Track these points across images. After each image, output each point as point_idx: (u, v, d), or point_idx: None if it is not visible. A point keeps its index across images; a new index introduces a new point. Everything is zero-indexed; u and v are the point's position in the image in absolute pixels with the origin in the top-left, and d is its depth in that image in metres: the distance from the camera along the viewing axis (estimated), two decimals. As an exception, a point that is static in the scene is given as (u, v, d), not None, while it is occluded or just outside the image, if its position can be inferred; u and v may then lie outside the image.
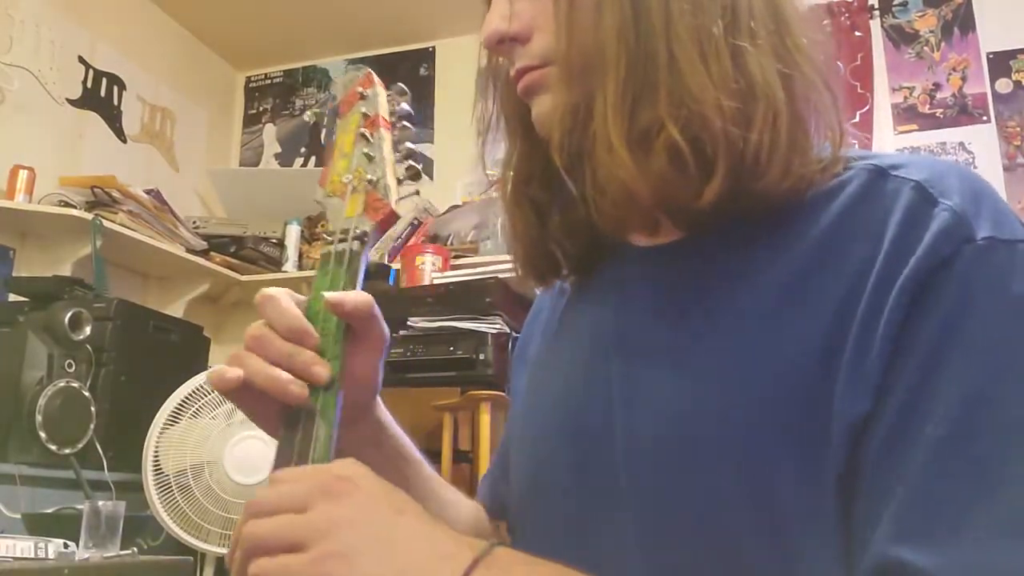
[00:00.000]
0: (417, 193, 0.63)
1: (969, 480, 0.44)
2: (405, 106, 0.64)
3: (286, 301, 0.55)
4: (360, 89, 0.63)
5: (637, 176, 0.53)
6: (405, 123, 0.64)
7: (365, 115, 0.62)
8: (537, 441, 0.65)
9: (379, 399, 0.65)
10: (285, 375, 0.53)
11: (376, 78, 0.64)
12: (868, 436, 0.47)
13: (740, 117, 0.51)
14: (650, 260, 0.61)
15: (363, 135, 0.61)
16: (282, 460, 0.52)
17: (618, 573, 0.54)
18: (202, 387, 2.06)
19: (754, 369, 0.52)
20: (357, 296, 0.56)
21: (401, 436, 0.69)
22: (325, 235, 0.59)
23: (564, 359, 0.66)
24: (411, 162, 0.62)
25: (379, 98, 0.63)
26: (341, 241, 0.57)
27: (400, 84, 0.66)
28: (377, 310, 0.57)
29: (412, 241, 2.99)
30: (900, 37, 2.83)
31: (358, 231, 0.57)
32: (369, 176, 0.59)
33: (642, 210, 0.56)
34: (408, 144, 0.63)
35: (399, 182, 0.60)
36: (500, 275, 2.44)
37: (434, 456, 2.17)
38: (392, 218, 0.58)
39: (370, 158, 0.60)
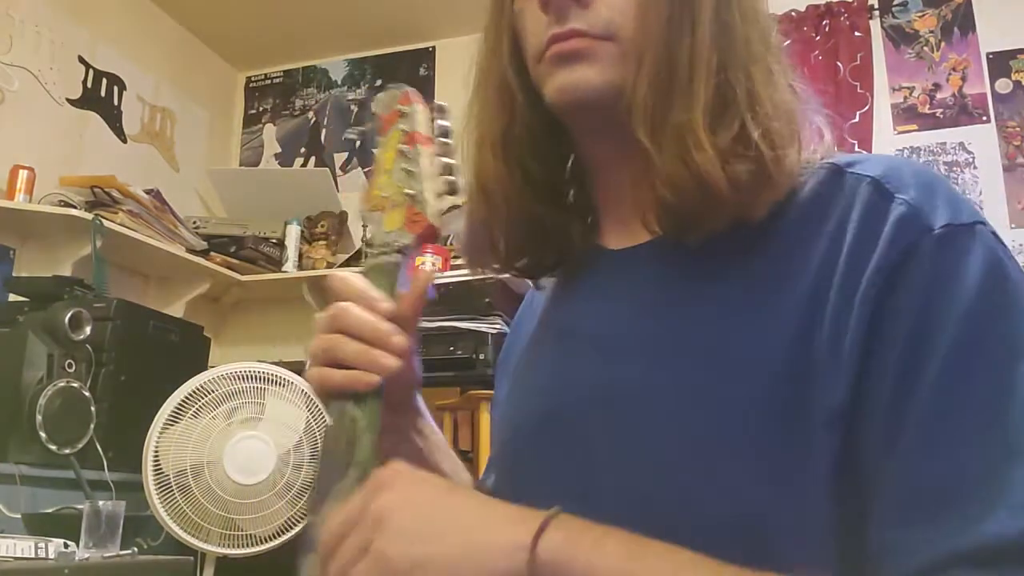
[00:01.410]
0: (457, 207, 0.63)
1: (974, 455, 0.45)
2: (444, 122, 0.65)
3: (359, 310, 0.58)
4: (400, 107, 0.64)
5: (722, 180, 0.53)
6: (444, 139, 0.64)
7: (404, 132, 0.63)
8: (518, 443, 0.66)
9: (418, 394, 0.68)
10: (373, 351, 0.56)
11: (416, 95, 0.65)
12: (861, 428, 0.48)
13: (788, 136, 0.55)
14: (626, 262, 0.62)
15: (402, 151, 0.62)
16: (325, 481, 0.55)
17: None
18: (202, 387, 2.06)
19: (727, 365, 0.53)
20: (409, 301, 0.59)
21: (439, 431, 0.72)
22: (367, 248, 0.61)
23: (543, 362, 0.67)
24: (450, 177, 0.63)
25: (418, 115, 0.64)
26: (382, 254, 0.59)
27: (440, 102, 0.66)
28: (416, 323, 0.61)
29: (412, 241, 3.00)
30: (900, 37, 2.83)
31: (398, 244, 0.59)
32: (408, 191, 0.61)
33: (691, 210, 0.56)
34: (448, 159, 0.63)
35: (438, 196, 0.61)
36: (500, 275, 2.44)
37: (434, 456, 2.17)
38: (431, 231, 0.60)
39: (409, 173, 0.61)
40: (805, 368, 0.50)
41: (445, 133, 0.65)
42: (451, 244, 2.86)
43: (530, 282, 0.73)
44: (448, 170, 0.63)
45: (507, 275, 0.70)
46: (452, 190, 0.63)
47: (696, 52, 0.55)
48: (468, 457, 2.23)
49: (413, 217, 0.60)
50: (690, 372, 0.54)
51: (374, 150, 0.64)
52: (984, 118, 2.68)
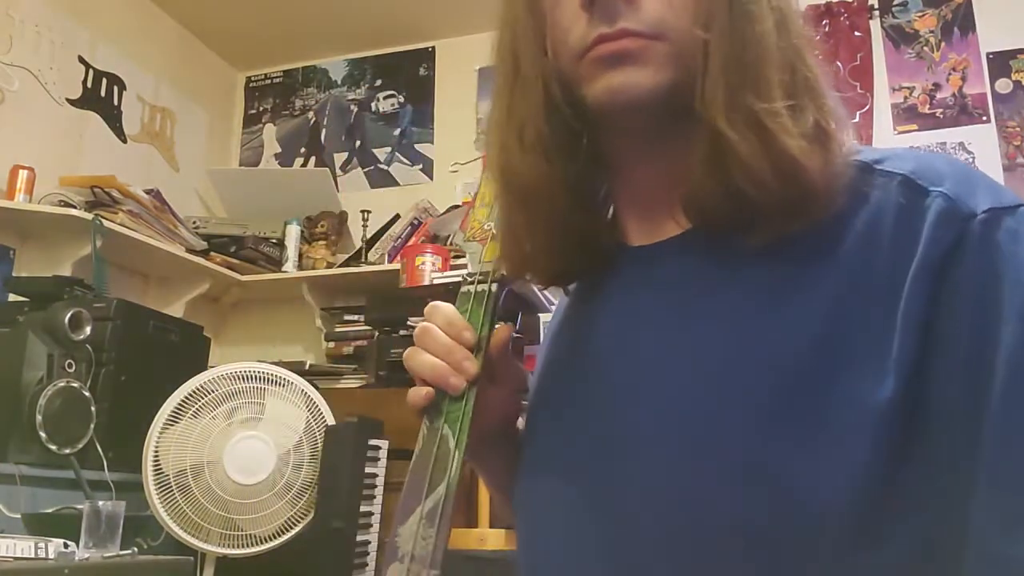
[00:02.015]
0: None
1: None
2: None
3: (438, 333, 0.62)
4: None
5: (815, 166, 0.52)
6: None
7: None
8: (539, 444, 0.66)
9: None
10: (446, 367, 0.60)
11: None
12: (930, 427, 0.47)
13: (843, 126, 0.55)
14: (652, 257, 0.61)
15: None
16: (410, 496, 0.57)
17: (627, 558, 0.55)
18: (202, 387, 2.06)
19: (752, 363, 0.52)
20: (498, 334, 0.63)
21: None
22: (465, 276, 0.64)
23: (570, 361, 0.67)
24: None
25: None
26: (480, 283, 0.62)
27: None
28: (510, 353, 0.64)
29: (412, 241, 3.00)
30: (900, 37, 2.83)
31: (496, 274, 0.63)
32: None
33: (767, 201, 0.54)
34: None
35: None
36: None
37: (434, 456, 2.17)
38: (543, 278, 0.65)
39: None
40: (831, 366, 0.49)
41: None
42: (451, 244, 2.86)
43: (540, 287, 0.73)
44: None
45: (539, 284, 0.70)
46: None
47: (765, 41, 0.54)
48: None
49: None
50: (717, 367, 0.53)
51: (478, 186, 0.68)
52: (984, 118, 2.68)
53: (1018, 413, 0.45)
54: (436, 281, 2.55)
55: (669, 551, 0.52)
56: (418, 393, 0.61)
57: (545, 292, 2.66)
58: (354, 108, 3.49)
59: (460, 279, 0.64)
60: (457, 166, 3.24)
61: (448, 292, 2.41)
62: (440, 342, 0.61)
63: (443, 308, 0.63)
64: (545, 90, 0.59)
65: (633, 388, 0.57)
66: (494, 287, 0.62)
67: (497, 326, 0.62)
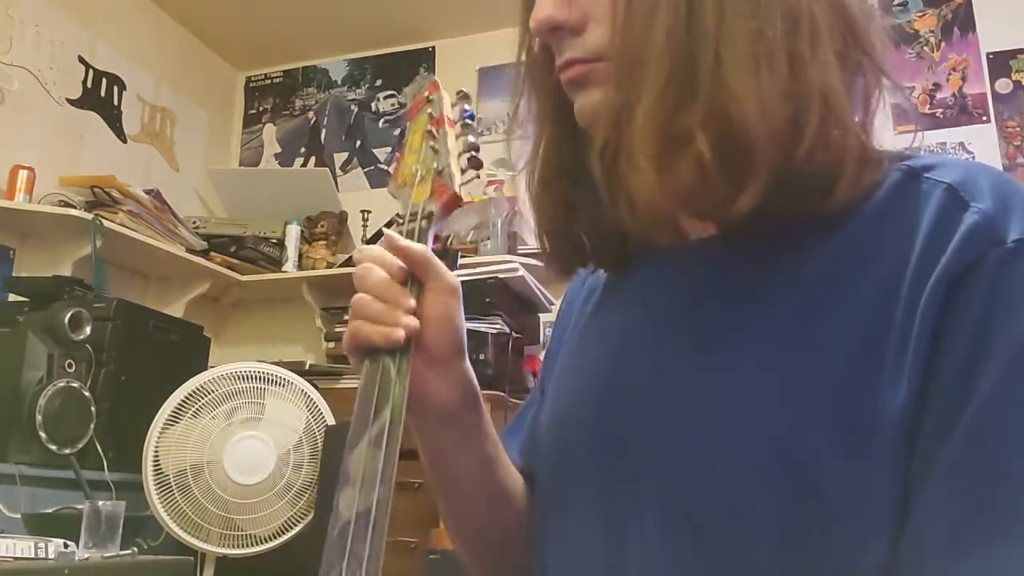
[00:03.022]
0: (478, 177, 0.70)
1: (1006, 485, 0.45)
2: (467, 107, 0.72)
3: (378, 271, 0.61)
4: (427, 95, 0.71)
5: (656, 188, 0.52)
6: (467, 121, 0.71)
7: (431, 116, 0.70)
8: (564, 430, 0.66)
9: (467, 358, 0.68)
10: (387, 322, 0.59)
11: (441, 84, 0.72)
12: (917, 434, 0.48)
13: (792, 125, 0.50)
14: (681, 258, 0.61)
15: (430, 132, 0.69)
16: (357, 425, 0.57)
17: (639, 559, 0.55)
18: (202, 387, 2.06)
19: (786, 367, 0.52)
20: (416, 246, 0.61)
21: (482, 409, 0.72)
22: (398, 219, 0.66)
23: (593, 355, 0.66)
24: (473, 153, 0.69)
25: (443, 101, 0.71)
26: (411, 222, 0.64)
27: (464, 89, 0.73)
28: (435, 260, 0.62)
29: (412, 241, 2.99)
30: (900, 37, 2.83)
31: (425, 211, 0.64)
32: (435, 166, 0.67)
33: (666, 218, 0.56)
34: (470, 139, 0.70)
35: (462, 171, 0.67)
36: (500, 275, 2.44)
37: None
38: (455, 200, 0.65)
39: (436, 151, 0.67)
40: (871, 371, 0.49)
41: (468, 116, 0.71)
42: (450, 243, 2.86)
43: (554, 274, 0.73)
44: (470, 148, 0.69)
45: (567, 272, 0.70)
46: (475, 165, 0.68)
47: (652, 41, 0.53)
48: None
49: (439, 189, 0.65)
50: (754, 366, 0.53)
51: (403, 136, 0.71)
52: (984, 118, 2.68)
53: (982, 440, 0.46)
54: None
55: (703, 547, 0.53)
56: (359, 329, 0.60)
57: (546, 292, 2.66)
58: (354, 108, 3.49)
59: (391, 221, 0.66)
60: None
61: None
62: (380, 280, 0.60)
63: (370, 248, 0.62)
64: (548, 102, 0.65)
65: (664, 395, 0.57)
66: (423, 224, 0.64)
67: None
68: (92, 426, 1.97)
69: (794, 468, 0.49)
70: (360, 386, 0.59)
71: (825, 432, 0.49)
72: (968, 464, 0.46)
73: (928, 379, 0.48)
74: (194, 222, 2.99)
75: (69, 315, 1.94)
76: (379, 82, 3.48)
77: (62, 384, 1.91)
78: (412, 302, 0.60)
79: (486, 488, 0.71)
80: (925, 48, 2.79)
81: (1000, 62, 2.70)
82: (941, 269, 0.48)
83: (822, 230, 0.54)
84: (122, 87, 2.99)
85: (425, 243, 0.63)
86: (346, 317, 2.91)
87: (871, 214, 0.53)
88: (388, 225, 3.09)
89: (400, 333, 0.58)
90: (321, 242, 3.09)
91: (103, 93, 2.91)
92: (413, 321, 0.59)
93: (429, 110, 0.70)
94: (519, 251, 2.75)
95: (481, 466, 0.70)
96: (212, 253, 2.95)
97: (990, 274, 0.47)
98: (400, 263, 0.61)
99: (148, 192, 2.75)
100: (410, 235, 0.63)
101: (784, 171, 0.51)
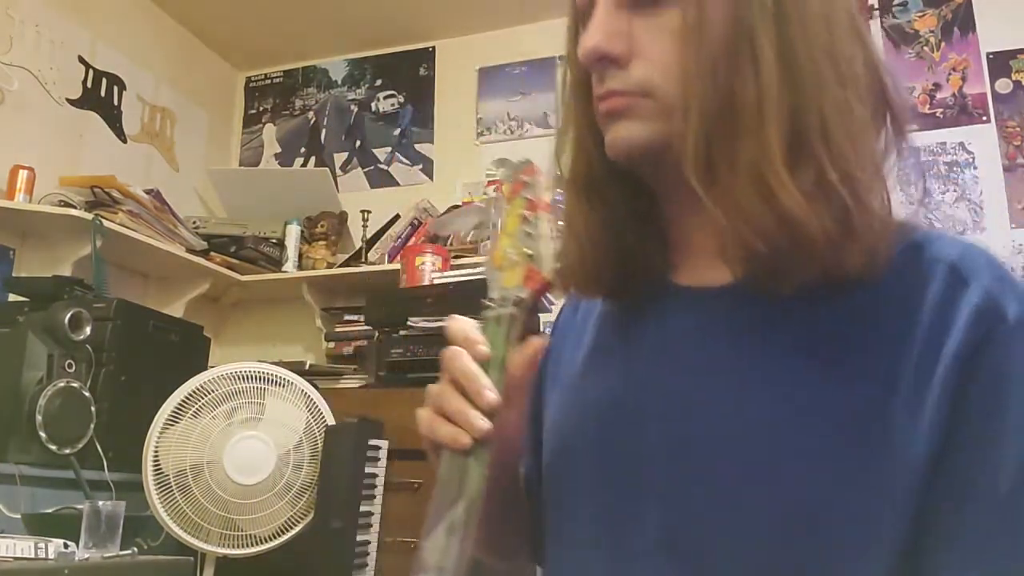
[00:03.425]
0: None
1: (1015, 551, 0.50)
2: (560, 191, 0.73)
3: (466, 358, 0.61)
4: (524, 178, 0.72)
5: (813, 222, 0.54)
6: (560, 206, 0.72)
7: (528, 200, 0.70)
8: (569, 448, 0.68)
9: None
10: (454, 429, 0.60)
11: (537, 167, 0.73)
12: (934, 490, 0.52)
13: (874, 190, 0.56)
14: (698, 301, 0.63)
15: (525, 217, 0.69)
16: (435, 512, 0.60)
17: (641, 570, 0.58)
18: (202, 387, 2.06)
19: (798, 412, 0.55)
20: (517, 366, 0.62)
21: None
22: (487, 301, 0.68)
23: (602, 382, 0.68)
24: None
25: (539, 185, 0.71)
26: (500, 306, 0.65)
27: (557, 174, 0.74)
28: (528, 385, 0.65)
29: (412, 241, 3.00)
30: (900, 37, 2.83)
31: (516, 297, 0.65)
32: (528, 251, 0.67)
33: (757, 255, 0.57)
34: (560, 223, 0.71)
35: (554, 256, 0.69)
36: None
37: (434, 456, 2.17)
38: (545, 286, 0.67)
39: (530, 236, 0.68)
40: (875, 424, 0.53)
41: (559, 202, 0.72)
42: (450, 244, 2.86)
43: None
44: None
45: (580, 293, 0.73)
46: None
47: (763, 95, 0.55)
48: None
49: (531, 274, 0.66)
50: (758, 419, 0.56)
51: (499, 217, 0.72)
52: (984, 118, 2.68)
53: (998, 523, 0.51)
54: (436, 281, 2.55)
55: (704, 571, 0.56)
56: (437, 430, 0.61)
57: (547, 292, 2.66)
58: (354, 108, 3.49)
59: (485, 304, 0.68)
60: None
61: (448, 292, 2.42)
62: (466, 371, 0.60)
63: (465, 328, 0.63)
64: (580, 135, 0.66)
65: (687, 438, 0.59)
66: (513, 310, 0.65)
67: (530, 340, 0.64)
68: (92, 426, 1.97)
69: (797, 507, 0.53)
70: (439, 472, 0.61)
71: (829, 475, 0.53)
72: (995, 532, 0.50)
73: (946, 440, 0.52)
74: (194, 222, 2.99)
75: (69, 315, 1.94)
76: (379, 82, 3.48)
77: (62, 384, 1.91)
78: (494, 397, 0.59)
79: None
80: (925, 48, 2.79)
81: (1000, 62, 2.70)
82: (954, 346, 0.53)
83: (831, 291, 0.57)
84: (122, 87, 2.99)
85: (511, 332, 0.64)
86: (347, 317, 2.90)
87: (879, 282, 0.56)
88: (387, 227, 3.09)
89: (467, 441, 0.58)
90: (321, 242, 3.09)
91: (103, 93, 2.91)
92: (485, 425, 0.59)
93: (526, 194, 0.70)
94: (519, 251, 2.75)
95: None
96: (212, 253, 2.95)
97: (998, 350, 0.52)
98: (486, 351, 0.61)
99: (148, 192, 2.75)
100: (499, 321, 0.64)
101: (868, 234, 0.56)
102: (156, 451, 2.00)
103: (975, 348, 0.52)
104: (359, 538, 2.09)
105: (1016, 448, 0.51)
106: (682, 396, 0.60)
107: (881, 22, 2.85)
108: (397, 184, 3.34)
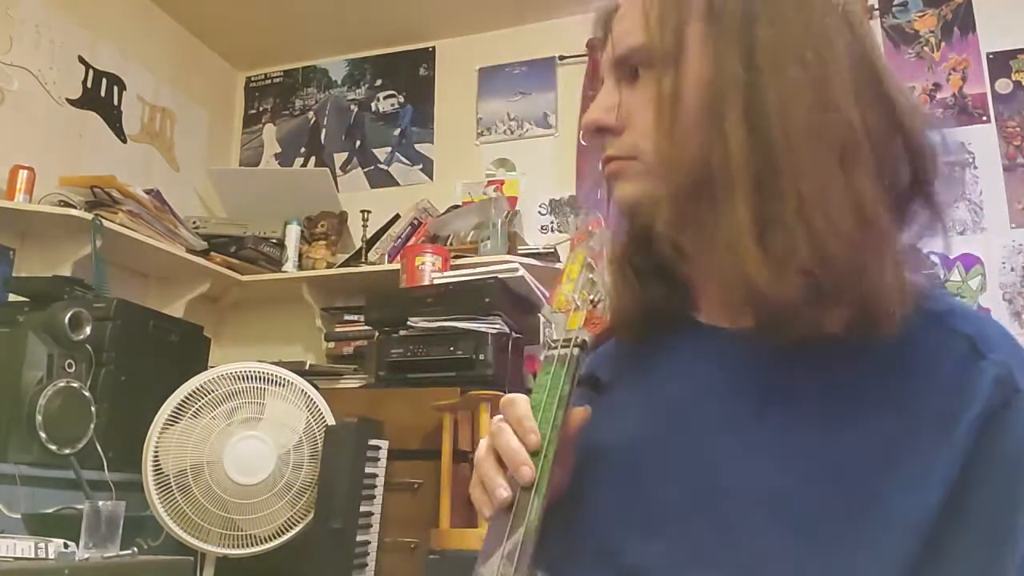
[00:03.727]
0: None
1: None
2: None
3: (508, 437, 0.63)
4: (589, 228, 0.77)
5: (774, 293, 0.56)
6: None
7: (592, 248, 0.75)
8: (581, 487, 0.69)
9: None
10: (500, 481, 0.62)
11: (602, 219, 0.77)
12: (944, 545, 0.53)
13: (861, 251, 0.55)
14: (713, 341, 0.65)
15: (589, 264, 0.73)
16: (492, 539, 0.61)
17: None
18: (202, 387, 2.07)
19: (802, 468, 0.57)
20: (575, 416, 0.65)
21: None
22: (550, 342, 0.70)
23: (618, 425, 0.69)
24: None
25: (603, 236, 0.76)
26: (564, 347, 0.68)
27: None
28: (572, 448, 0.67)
29: (412, 241, 3.00)
30: (900, 37, 2.83)
31: (578, 340, 0.68)
32: (591, 297, 0.71)
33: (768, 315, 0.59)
34: None
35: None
36: (500, 275, 2.44)
37: (434, 456, 2.17)
38: (608, 331, 0.71)
39: (593, 283, 0.72)
40: (884, 477, 0.54)
41: None
42: (450, 244, 2.86)
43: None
44: None
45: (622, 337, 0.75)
46: None
47: (731, 164, 0.57)
48: (468, 457, 2.23)
49: (593, 319, 0.69)
50: (767, 468, 0.58)
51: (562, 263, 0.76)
52: (984, 118, 2.68)
53: None
54: (436, 281, 2.55)
55: None
56: (483, 504, 0.63)
57: (546, 292, 2.66)
58: (354, 108, 3.49)
59: (545, 345, 0.70)
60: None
61: (448, 292, 2.42)
62: (508, 448, 0.62)
63: (519, 406, 0.64)
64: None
65: (688, 486, 0.61)
66: (576, 352, 0.67)
67: (576, 409, 0.67)
68: (92, 426, 1.97)
69: (807, 547, 0.54)
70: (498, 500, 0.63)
71: (835, 517, 0.54)
72: None
73: (958, 499, 0.53)
74: (194, 222, 2.99)
75: (69, 315, 1.94)
76: (379, 82, 3.48)
77: (62, 384, 1.91)
78: (530, 472, 0.60)
79: None
80: (925, 48, 2.79)
81: (1000, 62, 2.70)
82: (973, 411, 0.54)
83: (848, 347, 0.58)
84: (122, 87, 2.99)
85: (576, 370, 0.66)
86: (347, 317, 2.91)
87: (898, 343, 0.57)
88: (387, 227, 3.09)
89: (530, 474, 0.60)
90: (321, 242, 3.09)
91: (103, 93, 2.91)
92: (506, 494, 0.61)
93: (590, 243, 0.75)
94: (519, 251, 2.75)
95: None
96: (212, 253, 2.95)
97: (1015, 419, 0.54)
98: (537, 437, 0.62)
99: (148, 192, 2.75)
100: (562, 361, 0.66)
101: (859, 298, 0.56)
102: (156, 451, 2.00)
103: (992, 415, 0.54)
104: (359, 538, 2.09)
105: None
106: (691, 453, 0.62)
107: (881, 22, 2.85)
108: (397, 184, 3.34)
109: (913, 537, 0.53)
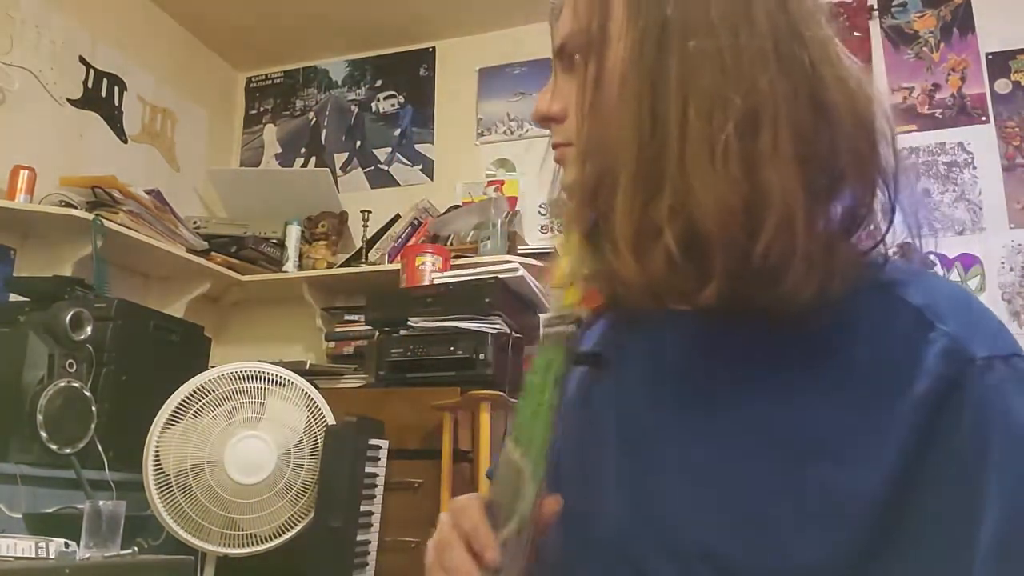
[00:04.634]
0: None
1: None
2: None
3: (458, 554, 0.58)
4: None
5: (636, 273, 0.56)
6: None
7: None
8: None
9: None
10: None
11: None
12: (902, 527, 0.52)
13: (746, 223, 0.53)
14: (670, 325, 0.64)
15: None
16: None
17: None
18: (203, 387, 2.07)
19: (758, 444, 0.56)
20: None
21: None
22: (547, 319, 0.68)
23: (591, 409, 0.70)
24: None
25: None
26: (558, 325, 0.65)
27: None
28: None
29: (412, 241, 3.00)
30: (899, 38, 2.83)
31: (574, 316, 0.65)
32: (587, 271, 0.67)
33: (649, 295, 0.59)
34: None
35: None
36: (500, 275, 2.45)
37: (434, 456, 2.17)
38: (604, 305, 0.67)
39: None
40: (830, 455, 0.54)
41: None
42: (450, 244, 2.86)
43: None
44: None
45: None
46: None
47: (620, 152, 0.58)
48: (468, 457, 2.23)
49: (590, 294, 0.66)
50: (704, 442, 0.58)
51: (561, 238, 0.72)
52: (983, 118, 2.69)
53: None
54: (436, 281, 2.55)
55: None
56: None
57: (547, 292, 2.66)
58: (354, 108, 3.49)
59: (543, 322, 0.68)
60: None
61: (448, 292, 2.43)
62: (459, 565, 0.57)
63: (469, 516, 0.58)
64: None
65: (648, 467, 0.62)
66: (571, 328, 0.65)
67: (548, 499, 0.60)
68: (93, 426, 1.98)
69: (756, 531, 0.54)
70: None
71: (787, 502, 0.54)
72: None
73: (907, 486, 0.51)
74: (194, 222, 2.99)
75: (70, 315, 1.94)
76: (379, 82, 3.48)
77: (63, 384, 1.91)
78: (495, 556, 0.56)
79: None
80: (924, 48, 2.80)
81: (999, 62, 2.70)
82: (923, 391, 0.52)
83: (792, 325, 0.56)
84: (123, 87, 3.00)
85: (571, 349, 0.63)
86: (347, 317, 2.89)
87: (842, 319, 0.56)
88: (388, 227, 3.09)
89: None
90: (321, 242, 3.09)
91: (104, 93, 2.91)
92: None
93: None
94: (519, 251, 2.75)
95: None
96: (212, 253, 2.95)
97: (969, 394, 0.52)
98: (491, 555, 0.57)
99: (149, 192, 2.76)
100: (557, 339, 0.65)
101: (744, 268, 0.54)
102: (157, 451, 2.00)
103: (946, 391, 0.52)
104: (359, 538, 2.09)
105: (999, 506, 0.50)
106: (653, 434, 0.62)
107: (880, 23, 2.85)
108: (397, 184, 3.34)
109: (858, 523, 0.52)
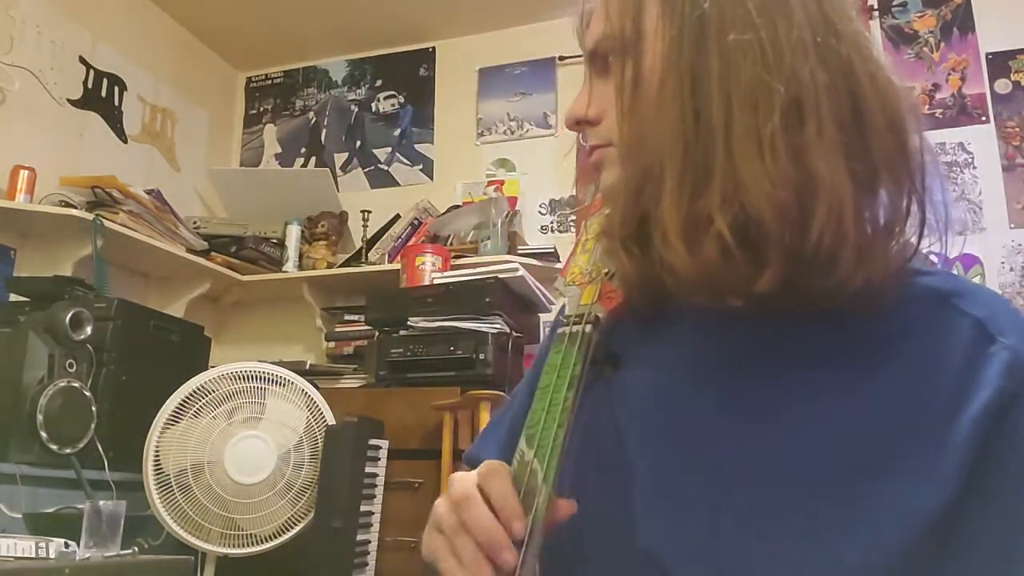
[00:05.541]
0: None
1: None
2: None
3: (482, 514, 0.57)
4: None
5: (690, 264, 0.56)
6: None
7: (608, 217, 0.71)
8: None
9: None
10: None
11: None
12: (959, 538, 0.51)
13: (798, 211, 0.53)
14: (714, 323, 0.63)
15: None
16: None
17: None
18: (203, 387, 2.07)
19: (806, 451, 0.55)
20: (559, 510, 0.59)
21: None
22: (562, 317, 0.66)
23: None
24: None
25: None
26: (575, 324, 0.64)
27: None
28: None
29: (412, 241, 3.00)
30: (899, 38, 2.83)
31: (591, 316, 0.64)
32: (606, 270, 0.67)
33: (703, 288, 0.58)
34: None
35: None
36: (500, 275, 2.45)
37: (434, 456, 2.18)
38: (622, 304, 0.66)
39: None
40: (876, 466, 0.53)
41: None
42: (450, 244, 2.86)
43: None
44: None
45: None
46: None
47: (664, 151, 0.57)
48: (468, 457, 2.23)
49: (608, 293, 0.65)
50: (756, 444, 0.57)
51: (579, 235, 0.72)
52: (983, 118, 2.69)
53: None
54: (436, 281, 2.55)
55: None
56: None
57: (546, 292, 2.67)
58: (354, 108, 3.49)
59: (558, 320, 0.66)
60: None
61: (448, 292, 2.43)
62: (484, 525, 0.56)
63: (498, 484, 0.57)
64: None
65: (687, 453, 0.61)
66: (588, 328, 0.64)
67: (561, 502, 0.58)
68: (93, 426, 1.98)
69: (807, 535, 0.54)
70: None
71: (839, 512, 0.53)
72: None
73: (966, 497, 0.51)
74: (195, 222, 2.99)
75: (70, 315, 1.94)
76: (379, 82, 3.48)
77: (63, 384, 1.91)
78: (512, 558, 0.55)
79: None
80: (924, 48, 2.80)
81: (999, 62, 2.70)
82: (986, 400, 0.52)
83: (844, 325, 0.57)
84: (123, 87, 3.00)
85: (587, 349, 0.62)
86: (347, 317, 2.89)
87: (896, 324, 0.56)
88: (388, 227, 3.09)
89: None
90: (321, 242, 3.09)
91: (104, 93, 2.91)
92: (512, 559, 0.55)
93: (606, 210, 0.70)
94: (519, 251, 2.75)
95: None
96: (212, 253, 2.95)
97: None
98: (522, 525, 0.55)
99: (149, 192, 2.76)
100: (573, 338, 0.63)
101: (799, 255, 0.54)
102: (157, 451, 2.00)
103: (1006, 405, 0.52)
104: (359, 538, 2.09)
105: None
106: (693, 430, 0.61)
107: (880, 22, 2.85)
108: (397, 184, 3.34)
109: (915, 530, 0.51)
